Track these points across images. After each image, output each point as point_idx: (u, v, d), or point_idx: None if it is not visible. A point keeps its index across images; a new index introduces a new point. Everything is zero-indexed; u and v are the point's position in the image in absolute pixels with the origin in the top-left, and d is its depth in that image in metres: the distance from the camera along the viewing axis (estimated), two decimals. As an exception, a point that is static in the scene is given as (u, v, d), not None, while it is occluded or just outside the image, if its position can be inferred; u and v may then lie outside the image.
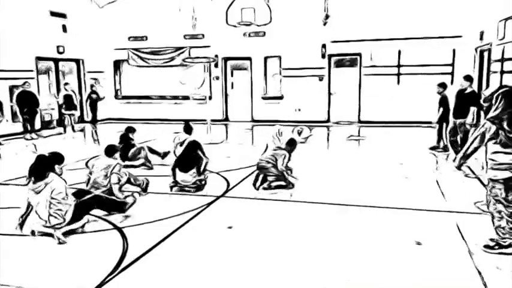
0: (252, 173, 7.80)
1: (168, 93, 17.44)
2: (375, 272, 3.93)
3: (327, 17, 14.34)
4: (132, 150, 8.59)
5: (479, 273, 3.84)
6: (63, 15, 15.36)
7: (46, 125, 15.12)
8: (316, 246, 4.55)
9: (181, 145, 8.29)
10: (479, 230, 4.81)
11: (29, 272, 4.06)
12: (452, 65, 14.22)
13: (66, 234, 4.79)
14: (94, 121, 15.64)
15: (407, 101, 14.66)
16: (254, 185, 6.79)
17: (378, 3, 14.52)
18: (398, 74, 14.84)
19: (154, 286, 3.76)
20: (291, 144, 7.11)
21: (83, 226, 4.98)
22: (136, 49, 17.22)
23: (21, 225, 4.94)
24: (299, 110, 15.89)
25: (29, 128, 13.31)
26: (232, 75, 16.79)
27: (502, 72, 10.08)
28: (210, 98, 16.63)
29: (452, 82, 13.96)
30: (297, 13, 15.18)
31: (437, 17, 14.03)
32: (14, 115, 13.52)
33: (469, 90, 8.32)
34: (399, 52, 14.71)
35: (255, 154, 8.79)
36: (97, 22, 16.80)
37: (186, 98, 17.00)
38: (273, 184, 6.82)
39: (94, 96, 15.41)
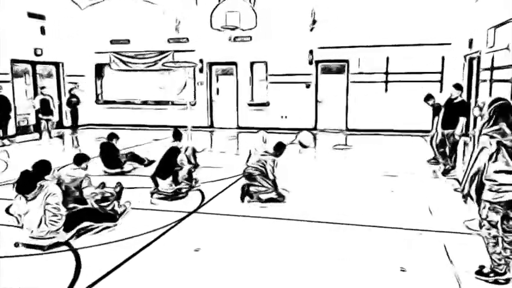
0: (233, 184, 7.38)
1: (151, 98, 16.93)
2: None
3: (314, 22, 14.02)
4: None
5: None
6: (41, 17, 14.81)
7: (22, 130, 14.52)
8: (292, 270, 4.11)
9: None
10: (468, 253, 4.42)
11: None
12: (441, 72, 13.94)
13: (52, 246, 4.58)
14: (75, 127, 15.15)
15: (395, 109, 14.34)
16: (241, 198, 6.37)
17: (366, 9, 14.22)
18: (386, 82, 14.53)
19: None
20: (279, 149, 6.58)
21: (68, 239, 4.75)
22: (118, 53, 16.71)
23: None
24: (285, 117, 15.50)
25: (1, 134, 12.71)
26: (217, 81, 16.35)
27: (492, 80, 9.79)
28: (195, 104, 16.23)
29: (441, 90, 13.69)
30: (284, 18, 14.81)
31: (426, 24, 13.76)
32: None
33: (458, 99, 7.97)
34: (387, 59, 14.42)
35: (237, 163, 8.40)
36: (78, 24, 16.29)
37: (169, 103, 16.51)
38: (263, 197, 6.35)
39: (74, 100, 14.94)
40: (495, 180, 3.60)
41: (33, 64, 14.84)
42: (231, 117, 16.17)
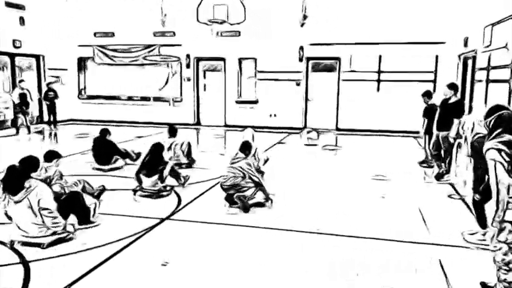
0: (213, 187, 6.88)
1: (136, 94, 16.34)
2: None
3: (304, 17, 13.52)
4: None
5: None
6: (20, 7, 14.13)
7: (-1, 125, 13.89)
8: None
9: (168, 149, 8.11)
10: (467, 270, 3.97)
11: None
12: (435, 72, 13.55)
13: (54, 243, 4.41)
14: (54, 122, 14.54)
15: (387, 108, 13.93)
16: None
17: (359, 5, 13.77)
18: (379, 80, 14.10)
19: None
20: (244, 149, 6.08)
21: (68, 232, 4.57)
22: (102, 46, 16.09)
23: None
24: (274, 115, 15.02)
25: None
26: (204, 77, 15.81)
27: (488, 81, 9.39)
28: (181, 100, 15.70)
29: (434, 90, 13.28)
30: (274, 13, 14.33)
31: (420, 22, 13.35)
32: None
33: (453, 99, 7.53)
34: (380, 57, 13.99)
35: (221, 164, 7.92)
36: (60, 15, 15.64)
37: (155, 99, 15.94)
38: (249, 202, 5.85)
39: (51, 94, 14.34)
40: None
41: (12, 56, 14.17)
42: (219, 115, 15.65)
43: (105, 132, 8.51)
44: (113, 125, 15.35)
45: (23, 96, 12.95)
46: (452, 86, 7.58)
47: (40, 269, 3.96)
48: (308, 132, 12.19)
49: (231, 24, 12.82)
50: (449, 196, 6.50)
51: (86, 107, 16.64)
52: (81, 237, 4.68)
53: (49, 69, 15.49)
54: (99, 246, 4.42)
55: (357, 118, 14.27)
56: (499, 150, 3.16)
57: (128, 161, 8.61)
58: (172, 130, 8.54)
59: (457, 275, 3.90)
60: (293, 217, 5.50)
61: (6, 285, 3.68)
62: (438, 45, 13.29)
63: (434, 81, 13.54)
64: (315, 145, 11.67)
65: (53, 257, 4.19)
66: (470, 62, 11.59)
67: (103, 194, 6.09)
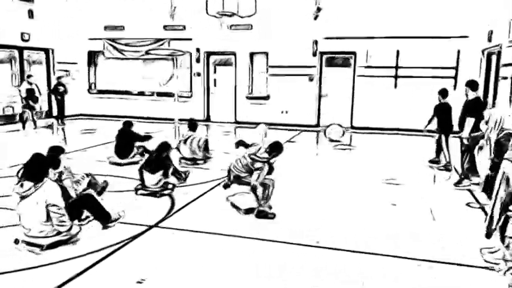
0: (211, 190, 6.46)
1: (147, 88, 16.03)
2: None
3: (318, 9, 12.95)
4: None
5: None
6: None
7: (7, 120, 13.73)
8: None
9: (184, 142, 8.31)
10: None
11: None
12: (456, 68, 12.79)
13: (54, 245, 4.21)
14: (62, 117, 14.35)
15: (404, 106, 13.25)
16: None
17: (376, -3, 13.12)
18: (396, 77, 13.42)
19: None
20: (274, 150, 5.46)
21: (70, 236, 4.38)
22: (112, 39, 15.81)
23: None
24: (286, 112, 14.50)
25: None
26: (215, 72, 15.39)
27: (514, 78, 8.69)
28: (191, 96, 15.33)
29: (455, 87, 12.58)
30: (287, 5, 13.77)
31: (441, 15, 12.60)
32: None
33: (470, 97, 6.87)
34: (398, 52, 13.29)
35: (224, 163, 7.52)
36: (69, 8, 15.39)
37: (163, 94, 15.60)
38: (243, 206, 5.51)
39: (61, 88, 14.14)
40: None
41: (20, 50, 14.00)
42: (229, 111, 15.21)
43: (128, 124, 8.58)
44: (124, 121, 15.16)
45: (30, 91, 12.73)
46: (468, 83, 6.94)
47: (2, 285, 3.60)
48: (333, 128, 11.73)
49: (241, 17, 12.36)
50: (468, 205, 5.92)
51: (96, 101, 16.43)
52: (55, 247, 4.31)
53: (58, 63, 15.28)
54: (70, 259, 4.04)
55: (373, 116, 13.63)
56: None
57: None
58: (192, 125, 8.61)
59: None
60: (293, 227, 5.03)
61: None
62: (460, 40, 12.52)
63: (455, 78, 12.79)
64: (339, 141, 11.35)
65: (19, 270, 3.82)
66: (494, 57, 10.87)
67: (106, 189, 5.96)
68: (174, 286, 3.64)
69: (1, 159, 7.95)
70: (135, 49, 15.53)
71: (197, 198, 6.10)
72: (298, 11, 13.70)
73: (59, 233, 4.24)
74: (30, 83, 12.85)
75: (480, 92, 9.31)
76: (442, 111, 8.09)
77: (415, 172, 7.97)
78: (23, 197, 4.11)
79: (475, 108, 6.64)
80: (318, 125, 14.30)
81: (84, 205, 4.75)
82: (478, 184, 6.68)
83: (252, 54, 14.71)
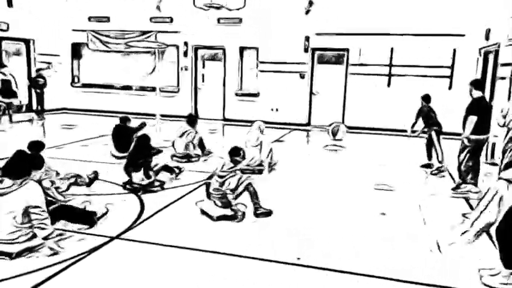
0: (186, 195, 5.96)
1: (132, 83, 15.46)
2: None
3: (310, 3, 12.45)
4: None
5: None
6: (8, -13, 13.32)
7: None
8: None
9: (180, 136, 8.20)
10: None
11: None
12: (452, 67, 12.36)
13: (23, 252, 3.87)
14: (41, 111, 13.78)
15: (398, 105, 12.80)
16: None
17: (371, -8, 12.64)
18: (390, 75, 12.97)
19: None
20: (233, 155, 5.25)
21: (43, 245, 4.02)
22: (96, 31, 15.20)
23: None
24: (276, 110, 14.02)
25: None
26: (203, 67, 14.85)
27: (513, 79, 8.26)
28: (178, 91, 14.79)
29: (450, 87, 12.17)
30: (278, -1, 13.27)
31: (437, 12, 12.16)
32: None
33: (475, 96, 6.38)
34: (392, 50, 12.84)
35: (202, 166, 7.07)
36: (52, -2, 14.79)
37: (150, 89, 15.05)
38: (215, 213, 5.03)
39: (41, 80, 13.58)
40: None
41: (-2, 40, 13.40)
42: (217, 108, 14.70)
43: (124, 120, 8.40)
44: (108, 116, 14.63)
45: (5, 83, 12.15)
46: (472, 82, 6.49)
47: None
48: (336, 127, 11.44)
49: (230, 10, 11.82)
50: (464, 215, 5.47)
51: (80, 95, 15.84)
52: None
53: (40, 54, 14.67)
54: (13, 277, 3.53)
55: (365, 115, 13.19)
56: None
57: None
58: (191, 120, 8.48)
59: None
60: (272, 240, 4.55)
61: None
62: (456, 38, 12.09)
63: (450, 77, 12.38)
64: (340, 140, 11.12)
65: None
66: (491, 56, 10.44)
67: (95, 181, 5.88)
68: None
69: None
70: (120, 41, 14.93)
71: (170, 204, 5.59)
72: (290, 5, 13.21)
73: (31, 238, 3.94)
74: (5, 74, 12.24)
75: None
76: (426, 114, 7.80)
77: (408, 176, 7.53)
78: (0, 194, 3.80)
79: (477, 108, 6.17)
80: (309, 124, 13.84)
81: (63, 216, 4.53)
82: (476, 193, 6.25)
83: (241, 50, 14.20)
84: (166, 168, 6.60)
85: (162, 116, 13.91)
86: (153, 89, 14.75)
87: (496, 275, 3.68)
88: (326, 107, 13.73)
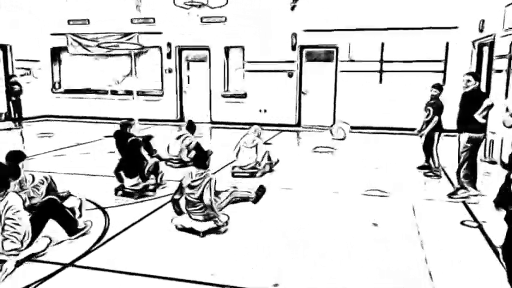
0: (158, 209, 5.42)
1: (115, 87, 14.89)
2: None
3: (295, -1, 11.93)
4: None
5: None
6: (-20, -9, 12.75)
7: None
8: None
9: (177, 139, 8.01)
10: None
11: None
12: (445, 61, 11.89)
13: (26, 259, 3.81)
14: (19, 119, 13.22)
15: (390, 103, 12.33)
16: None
17: (359, -15, 12.15)
18: (381, 71, 12.48)
19: None
20: (196, 160, 4.77)
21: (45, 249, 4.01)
22: (76, 34, 14.64)
23: None
24: (265, 111, 13.50)
25: None
26: (188, 68, 14.31)
27: (510, 71, 7.78)
28: (162, 94, 14.25)
29: (444, 81, 11.69)
30: (263, -5, 12.76)
31: (428, 5, 11.71)
32: None
33: (475, 87, 5.80)
34: (382, 45, 12.35)
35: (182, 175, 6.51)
36: (29, 1, 14.18)
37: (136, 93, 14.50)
38: (200, 227, 4.54)
39: (17, 88, 13.02)
40: None
41: (-29, 46, 12.82)
42: (204, 110, 14.16)
43: (125, 125, 7.96)
44: (92, 122, 14.12)
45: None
46: (470, 73, 5.95)
47: None
48: (339, 126, 11.19)
49: (212, 8, 11.29)
50: (463, 223, 4.97)
51: (61, 102, 15.26)
52: None
53: (17, 60, 14.08)
54: None
55: (357, 114, 12.67)
56: None
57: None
58: (191, 126, 8.25)
59: None
60: (248, 260, 4.02)
61: None
62: (449, 31, 11.63)
63: (444, 72, 11.90)
64: (343, 139, 10.88)
65: None
66: (486, 49, 9.97)
67: (82, 207, 5.04)
68: None
69: None
70: (108, 45, 14.36)
71: (139, 220, 5.06)
72: (275, 1, 12.70)
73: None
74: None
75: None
76: (439, 109, 7.04)
77: (401, 179, 7.02)
78: None
79: (477, 100, 5.63)
80: (298, 125, 13.34)
81: (49, 213, 4.21)
82: (476, 196, 5.76)
83: (227, 49, 13.67)
84: (156, 167, 6.28)
85: (147, 120, 13.44)
86: (142, 93, 14.26)
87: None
88: (316, 107, 13.24)
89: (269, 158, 7.44)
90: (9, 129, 12.70)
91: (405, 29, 11.98)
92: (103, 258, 4.05)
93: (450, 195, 5.91)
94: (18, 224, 3.74)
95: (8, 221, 3.70)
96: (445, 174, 7.14)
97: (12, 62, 13.97)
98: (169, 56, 13.96)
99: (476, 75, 5.95)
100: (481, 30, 10.48)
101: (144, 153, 7.29)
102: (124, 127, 7.91)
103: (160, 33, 13.82)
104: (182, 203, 4.74)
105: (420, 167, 7.57)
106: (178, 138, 7.99)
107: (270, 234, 4.66)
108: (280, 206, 5.65)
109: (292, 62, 13.08)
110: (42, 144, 10.05)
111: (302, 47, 13.04)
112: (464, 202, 5.71)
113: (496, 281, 3.53)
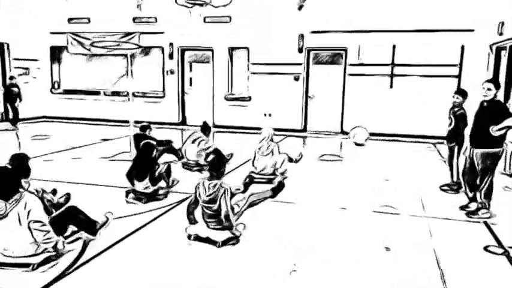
0: (147, 224, 4.91)
1: (116, 88, 14.46)
2: None
3: (303, -1, 11.40)
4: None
5: None
6: (-23, -13, 12.37)
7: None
8: None
9: (193, 142, 7.93)
10: None
11: None
12: (460, 65, 11.28)
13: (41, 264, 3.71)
14: (15, 120, 12.81)
15: (401, 108, 11.76)
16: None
17: (370, -15, 11.60)
18: (392, 75, 11.90)
19: None
20: (212, 170, 4.50)
21: (57, 251, 3.90)
22: (76, 33, 14.18)
23: None
24: (269, 115, 12.97)
25: None
26: (190, 70, 13.83)
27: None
28: (163, 96, 13.78)
29: (458, 87, 11.06)
30: (269, -5, 12.25)
31: (443, 6, 11.12)
32: None
33: (493, 96, 5.24)
34: (394, 48, 11.77)
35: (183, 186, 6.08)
36: (28, -1, 13.82)
37: (138, 95, 14.05)
38: (219, 237, 4.36)
39: (15, 90, 12.63)
40: None
41: (-32, 44, 12.43)
42: (207, 114, 13.64)
43: (145, 128, 8.05)
44: (91, 124, 13.73)
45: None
46: (491, 80, 5.38)
47: None
48: (357, 132, 10.81)
49: (215, 7, 10.77)
50: (486, 249, 4.39)
51: (60, 102, 14.85)
52: None
53: (15, 59, 13.68)
54: None
55: (366, 120, 12.05)
56: None
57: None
58: (206, 128, 8.22)
59: None
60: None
61: None
62: (465, 34, 11.02)
63: (459, 77, 11.29)
64: (363, 145, 10.53)
65: None
66: (505, 53, 9.39)
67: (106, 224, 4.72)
68: None
69: None
70: (102, 44, 13.91)
71: (126, 236, 4.54)
72: (282, 1, 12.18)
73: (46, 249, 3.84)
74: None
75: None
76: (463, 118, 6.35)
77: (416, 194, 6.43)
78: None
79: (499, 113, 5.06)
80: (304, 130, 12.79)
81: (69, 219, 4.34)
82: (490, 217, 5.19)
83: (231, 50, 13.17)
84: (164, 176, 6.14)
85: (148, 123, 12.95)
86: (143, 95, 13.80)
87: None
88: (323, 111, 12.69)
89: (290, 160, 7.38)
90: (6, 130, 12.30)
91: (418, 31, 11.40)
92: (85, 280, 3.53)
93: (469, 214, 5.33)
94: (45, 225, 3.74)
95: (35, 224, 3.67)
96: (466, 194, 6.53)
97: (9, 61, 13.58)
98: (171, 56, 13.49)
99: (498, 83, 5.37)
100: (499, 34, 9.88)
101: (167, 157, 7.75)
102: (144, 130, 7.96)
103: (162, 33, 13.36)
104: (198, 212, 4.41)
105: (445, 185, 6.67)
106: (193, 141, 7.90)
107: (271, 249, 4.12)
108: (282, 225, 5.11)
109: (299, 64, 12.55)
110: (35, 148, 9.59)
111: (309, 50, 12.51)
112: (486, 223, 5.14)
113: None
